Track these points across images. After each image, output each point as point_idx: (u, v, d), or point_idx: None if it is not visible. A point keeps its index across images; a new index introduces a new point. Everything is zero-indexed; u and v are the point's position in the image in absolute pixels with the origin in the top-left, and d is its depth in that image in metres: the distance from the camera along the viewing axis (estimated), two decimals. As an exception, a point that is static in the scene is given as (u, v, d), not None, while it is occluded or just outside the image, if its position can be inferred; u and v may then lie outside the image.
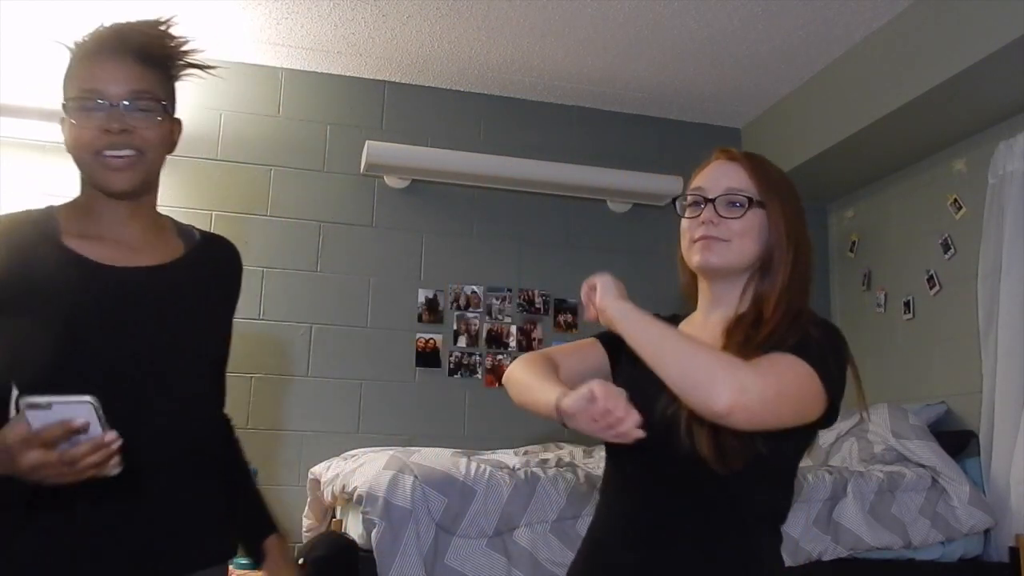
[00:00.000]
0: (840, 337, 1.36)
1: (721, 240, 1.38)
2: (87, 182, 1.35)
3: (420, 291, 3.93)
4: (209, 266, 1.45)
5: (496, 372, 3.94)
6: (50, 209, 1.38)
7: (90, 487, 1.15)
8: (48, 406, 1.08)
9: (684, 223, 1.44)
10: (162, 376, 1.32)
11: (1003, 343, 3.27)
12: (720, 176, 1.42)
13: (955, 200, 3.68)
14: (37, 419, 1.08)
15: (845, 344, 1.35)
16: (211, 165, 3.76)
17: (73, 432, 1.08)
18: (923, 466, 3.20)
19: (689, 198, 1.44)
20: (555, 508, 2.70)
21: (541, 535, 2.67)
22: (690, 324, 1.49)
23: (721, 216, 1.39)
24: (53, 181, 3.58)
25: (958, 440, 3.41)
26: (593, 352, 1.49)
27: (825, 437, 3.55)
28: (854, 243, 4.29)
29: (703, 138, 4.34)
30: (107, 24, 1.34)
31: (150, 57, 1.34)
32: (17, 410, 1.17)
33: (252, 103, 3.87)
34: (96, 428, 1.10)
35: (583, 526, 1.50)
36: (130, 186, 1.32)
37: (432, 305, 3.93)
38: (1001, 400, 3.25)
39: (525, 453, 3.13)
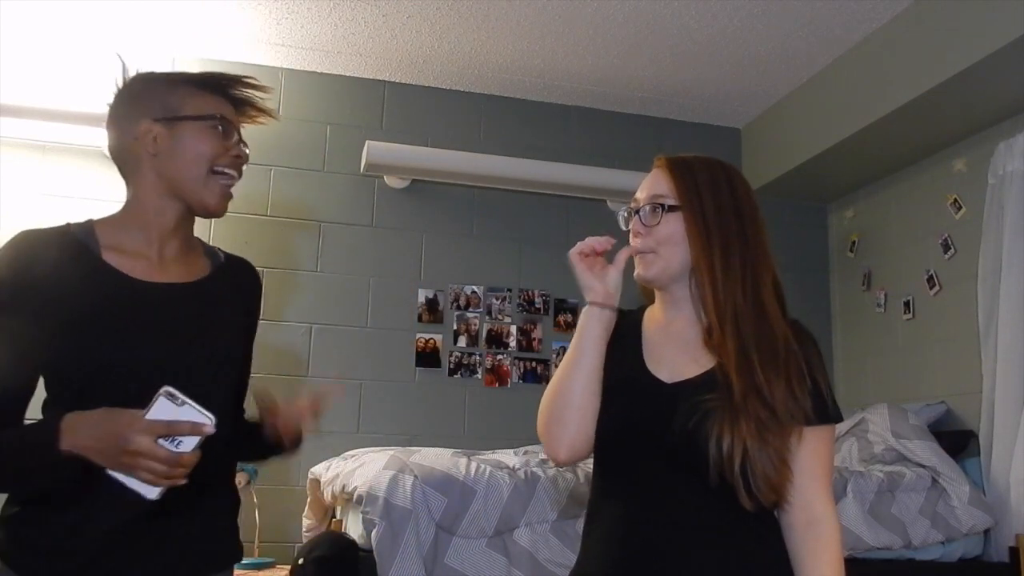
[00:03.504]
0: (819, 347, 1.41)
1: (650, 252, 1.42)
2: (166, 192, 1.41)
3: (420, 291, 3.93)
4: (232, 286, 1.52)
5: (496, 372, 3.94)
6: (89, 224, 1.42)
7: (110, 492, 1.19)
8: (181, 404, 1.15)
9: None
10: (186, 390, 1.33)
11: (1003, 343, 3.27)
12: (649, 184, 1.47)
13: (955, 200, 3.68)
14: (162, 410, 1.14)
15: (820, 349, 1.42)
16: (211, 165, 3.76)
17: (195, 435, 1.16)
18: (923, 466, 3.20)
19: (628, 211, 1.50)
20: (555, 508, 2.71)
21: (541, 535, 2.67)
22: (652, 318, 1.50)
23: (646, 225, 1.43)
24: (53, 181, 3.60)
25: (958, 440, 3.41)
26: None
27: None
28: (854, 243, 4.29)
29: (703, 138, 4.34)
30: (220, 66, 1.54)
31: (245, 108, 1.52)
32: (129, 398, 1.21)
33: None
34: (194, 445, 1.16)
35: (583, 526, 1.49)
36: (224, 209, 1.46)
37: (432, 305, 3.94)
38: (1001, 400, 3.25)
39: (525, 453, 3.13)
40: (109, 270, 1.36)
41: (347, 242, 3.89)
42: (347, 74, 4.00)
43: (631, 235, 1.46)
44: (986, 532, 3.17)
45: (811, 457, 1.33)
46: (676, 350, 1.42)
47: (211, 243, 1.56)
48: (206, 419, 1.16)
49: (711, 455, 1.26)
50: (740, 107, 4.25)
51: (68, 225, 1.40)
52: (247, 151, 1.48)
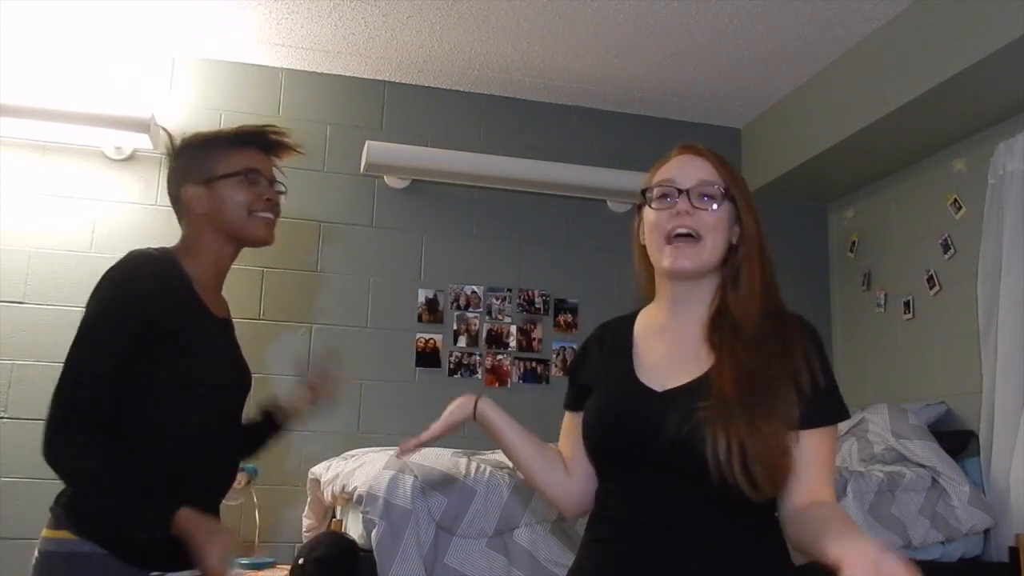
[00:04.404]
0: (820, 338, 1.39)
1: (694, 240, 1.37)
2: (223, 238, 1.68)
3: (420, 291, 3.93)
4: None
5: (496, 372, 3.93)
6: (173, 251, 1.66)
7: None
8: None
9: (652, 216, 1.42)
10: (233, 414, 1.70)
11: (1003, 343, 3.27)
12: (690, 169, 1.42)
13: (955, 200, 3.68)
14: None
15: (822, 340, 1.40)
16: (211, 165, 3.77)
17: None
18: (923, 466, 3.20)
19: (657, 190, 1.42)
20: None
21: (541, 535, 2.67)
22: (647, 321, 1.48)
23: (695, 207, 1.38)
24: (53, 181, 3.60)
25: (958, 440, 3.40)
26: (573, 423, 1.51)
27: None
28: (854, 243, 4.29)
29: (703, 138, 4.30)
30: (258, 124, 1.76)
31: (280, 153, 1.78)
32: None
33: (252, 103, 3.87)
34: None
35: (583, 526, 1.49)
36: (272, 239, 1.74)
37: (432, 305, 3.93)
38: (1001, 400, 3.25)
39: (525, 453, 3.13)
40: (198, 299, 1.63)
41: (347, 242, 3.89)
42: (347, 74, 4.00)
43: (668, 216, 1.39)
44: (986, 532, 3.17)
45: (810, 457, 1.31)
46: (670, 354, 1.40)
47: None
48: None
49: (709, 459, 1.24)
50: (740, 107, 4.25)
51: (168, 251, 1.64)
52: (282, 190, 1.75)
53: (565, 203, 4.15)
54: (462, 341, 3.94)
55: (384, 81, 4.05)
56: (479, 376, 3.93)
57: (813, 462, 1.31)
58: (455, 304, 3.96)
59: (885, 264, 4.08)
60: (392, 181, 3.97)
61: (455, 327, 3.94)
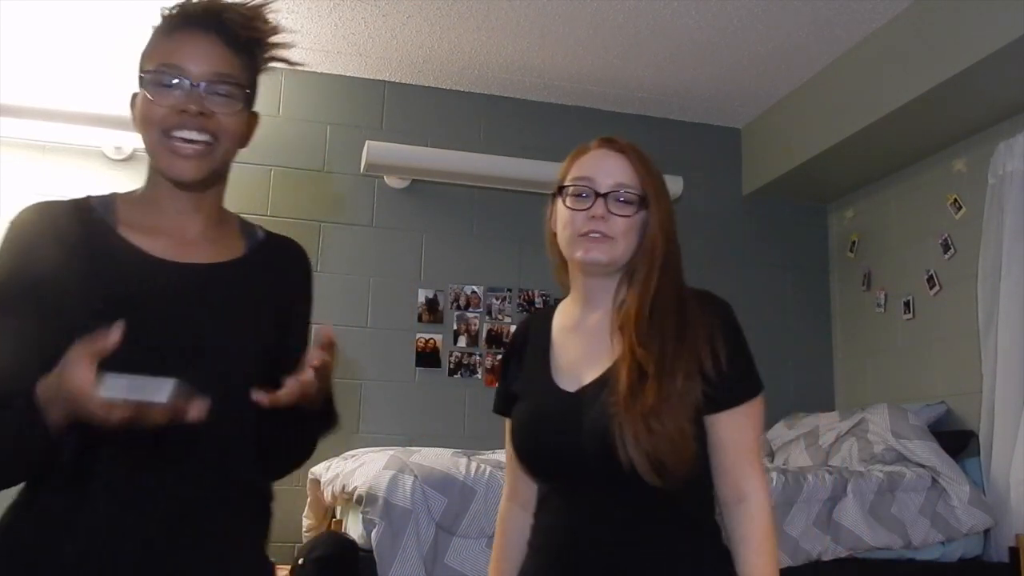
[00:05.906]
0: (731, 310, 1.38)
1: (607, 237, 1.37)
2: (153, 167, 1.26)
3: (420, 291, 3.93)
4: (270, 269, 1.33)
5: (496, 372, 3.93)
6: (111, 196, 1.29)
7: (125, 502, 1.13)
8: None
9: (567, 214, 1.41)
10: (206, 376, 1.16)
11: (1003, 343, 3.27)
12: (608, 168, 1.40)
13: (955, 200, 3.68)
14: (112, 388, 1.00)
15: (734, 314, 1.38)
16: (211, 165, 3.76)
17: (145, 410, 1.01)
18: (923, 466, 3.20)
19: (573, 189, 1.41)
20: (555, 508, 2.70)
21: (541, 535, 2.67)
22: (564, 317, 1.50)
23: (611, 212, 1.37)
24: (53, 181, 3.60)
25: (958, 440, 3.41)
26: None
27: (825, 437, 3.55)
28: (854, 243, 4.29)
29: (703, 138, 4.34)
30: None
31: (239, 40, 1.23)
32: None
33: (252, 103, 3.87)
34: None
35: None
36: (197, 176, 1.22)
37: (432, 305, 3.94)
38: (1001, 400, 3.25)
39: (525, 453, 3.13)
40: (126, 246, 1.22)
41: (347, 242, 3.89)
42: (347, 74, 4.00)
43: (582, 218, 1.38)
44: (986, 532, 3.17)
45: (725, 442, 1.32)
46: (584, 351, 1.41)
47: None
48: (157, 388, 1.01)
49: (620, 454, 1.24)
50: (740, 107, 4.25)
51: (88, 198, 1.27)
52: (222, 94, 1.20)
53: (565, 203, 4.15)
54: (462, 341, 3.94)
55: (384, 81, 4.05)
56: (479, 376, 3.93)
57: (727, 447, 1.32)
58: (455, 304, 3.96)
59: (885, 264, 4.08)
60: (392, 181, 3.97)
61: (455, 327, 3.94)
